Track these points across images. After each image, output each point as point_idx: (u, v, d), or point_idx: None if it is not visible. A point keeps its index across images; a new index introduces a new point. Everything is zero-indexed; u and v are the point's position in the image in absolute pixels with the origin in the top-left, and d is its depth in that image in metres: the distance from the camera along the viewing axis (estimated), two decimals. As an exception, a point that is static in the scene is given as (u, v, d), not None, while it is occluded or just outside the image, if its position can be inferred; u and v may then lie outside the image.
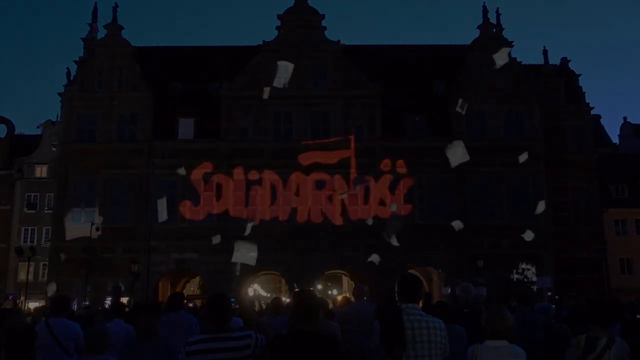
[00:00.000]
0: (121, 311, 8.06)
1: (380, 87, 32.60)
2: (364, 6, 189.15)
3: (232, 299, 18.92)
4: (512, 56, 34.12)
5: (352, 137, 32.06)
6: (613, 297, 25.24)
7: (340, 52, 33.76)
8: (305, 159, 31.65)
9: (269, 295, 51.15)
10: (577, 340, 4.23)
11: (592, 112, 35.63)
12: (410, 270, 27.34)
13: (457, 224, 20.18)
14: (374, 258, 22.35)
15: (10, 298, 33.71)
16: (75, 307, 21.76)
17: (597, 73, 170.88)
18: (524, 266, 24.49)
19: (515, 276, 30.13)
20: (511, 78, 33.29)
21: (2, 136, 44.63)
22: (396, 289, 4.09)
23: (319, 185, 31.57)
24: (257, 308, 16.26)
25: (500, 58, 16.13)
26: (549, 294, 25.57)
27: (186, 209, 31.22)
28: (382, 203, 31.53)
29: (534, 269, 30.17)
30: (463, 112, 22.41)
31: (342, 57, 33.54)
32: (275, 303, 8.40)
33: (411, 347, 3.79)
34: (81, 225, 29.96)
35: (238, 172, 31.50)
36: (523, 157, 19.01)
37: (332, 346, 3.54)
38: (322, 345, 3.49)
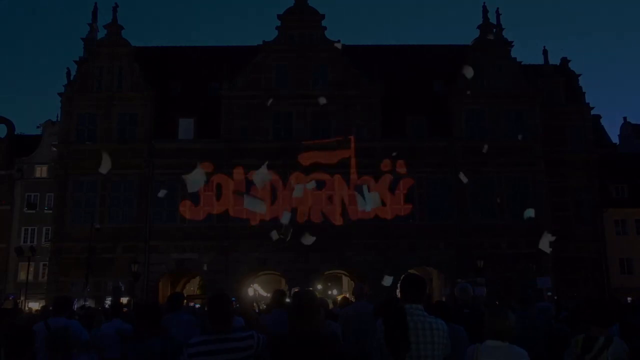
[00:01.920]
0: (120, 311, 8.09)
1: (380, 87, 32.59)
2: (364, 6, 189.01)
3: (233, 298, 18.90)
4: (512, 56, 34.17)
5: (352, 138, 32.08)
6: (613, 297, 25.24)
7: (340, 52, 33.74)
8: (305, 159, 31.63)
9: (268, 295, 51.10)
10: (575, 340, 4.22)
11: (592, 112, 35.65)
12: (410, 270, 27.35)
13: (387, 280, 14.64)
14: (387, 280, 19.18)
15: (10, 298, 33.69)
16: (75, 307, 21.75)
17: (597, 73, 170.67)
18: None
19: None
20: (511, 78, 33.29)
21: (2, 136, 44.59)
22: (399, 289, 4.09)
23: (319, 185, 31.53)
24: (256, 309, 16.25)
25: (500, 58, 15.84)
26: (549, 294, 25.56)
27: (186, 209, 31.21)
28: (382, 203, 31.49)
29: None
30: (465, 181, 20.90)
31: (342, 57, 33.53)
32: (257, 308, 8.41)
33: (414, 348, 3.79)
34: (81, 225, 29.96)
35: (238, 172, 31.47)
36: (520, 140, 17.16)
37: (333, 346, 3.54)
38: (322, 346, 3.49)
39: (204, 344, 3.74)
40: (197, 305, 23.35)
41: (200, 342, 3.76)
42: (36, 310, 23.60)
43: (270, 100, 25.54)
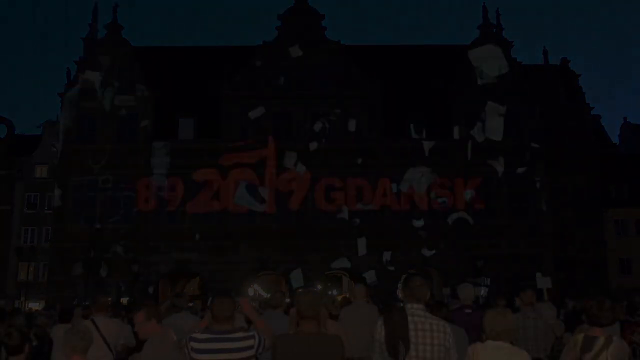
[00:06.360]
0: (119, 311, 8.09)
1: (380, 87, 32.57)
2: (364, 6, 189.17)
3: (236, 298, 18.82)
4: (512, 56, 34.14)
5: (352, 138, 32.13)
6: (613, 297, 25.24)
7: (340, 52, 33.72)
8: (304, 158, 31.61)
9: (268, 295, 50.94)
10: (574, 339, 4.22)
11: (592, 112, 35.68)
12: (410, 270, 27.35)
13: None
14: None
15: (10, 301, 33.64)
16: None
17: (597, 73, 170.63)
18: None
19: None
20: (511, 78, 33.24)
21: (2, 136, 44.55)
22: (400, 289, 4.09)
23: (319, 185, 31.52)
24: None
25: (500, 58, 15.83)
26: (549, 293, 25.52)
27: (186, 209, 31.18)
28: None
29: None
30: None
31: (342, 57, 33.51)
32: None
33: (413, 348, 3.78)
34: (81, 225, 29.92)
35: (238, 172, 31.44)
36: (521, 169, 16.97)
37: (335, 346, 3.55)
38: (324, 346, 3.50)
39: (206, 341, 3.76)
40: (193, 304, 23.29)
41: (203, 339, 3.78)
42: (36, 310, 23.60)
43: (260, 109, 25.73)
